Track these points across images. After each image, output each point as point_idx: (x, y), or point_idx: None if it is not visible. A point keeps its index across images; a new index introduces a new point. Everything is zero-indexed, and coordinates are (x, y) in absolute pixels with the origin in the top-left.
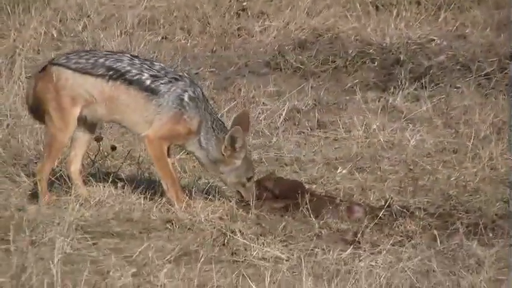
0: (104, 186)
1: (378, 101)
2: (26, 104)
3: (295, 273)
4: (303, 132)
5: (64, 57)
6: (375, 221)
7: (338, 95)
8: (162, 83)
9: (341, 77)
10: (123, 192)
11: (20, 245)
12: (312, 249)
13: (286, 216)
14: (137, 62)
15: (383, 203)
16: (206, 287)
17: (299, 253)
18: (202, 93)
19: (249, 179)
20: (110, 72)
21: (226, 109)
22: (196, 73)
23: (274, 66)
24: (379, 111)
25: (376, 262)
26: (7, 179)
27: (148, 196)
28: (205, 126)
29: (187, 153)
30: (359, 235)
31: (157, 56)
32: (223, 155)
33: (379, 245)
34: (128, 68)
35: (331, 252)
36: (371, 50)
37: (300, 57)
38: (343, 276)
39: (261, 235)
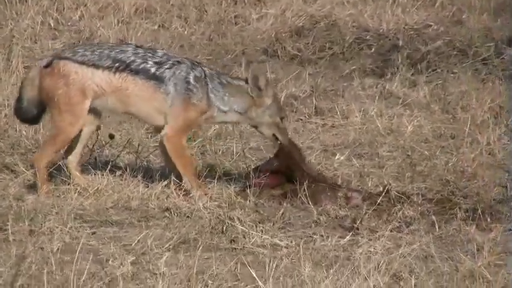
0: (103, 175)
1: (376, 87)
2: (20, 98)
3: (294, 260)
4: (301, 119)
5: (70, 51)
6: (374, 207)
7: (335, 81)
8: (166, 68)
9: (338, 63)
10: (121, 181)
11: (19, 234)
12: (310, 236)
13: (284, 204)
14: (141, 51)
15: (381, 189)
16: (205, 274)
17: (298, 240)
18: (203, 69)
19: (282, 119)
20: (117, 64)
21: None
22: None
23: (272, 53)
24: (376, 97)
25: (375, 248)
26: (5, 168)
27: (147, 184)
28: (217, 96)
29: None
30: (357, 221)
31: (154, 45)
32: (251, 97)
33: (377, 231)
34: (133, 58)
35: (330, 238)
36: (368, 37)
37: (297, 44)
38: (342, 263)
39: (259, 222)
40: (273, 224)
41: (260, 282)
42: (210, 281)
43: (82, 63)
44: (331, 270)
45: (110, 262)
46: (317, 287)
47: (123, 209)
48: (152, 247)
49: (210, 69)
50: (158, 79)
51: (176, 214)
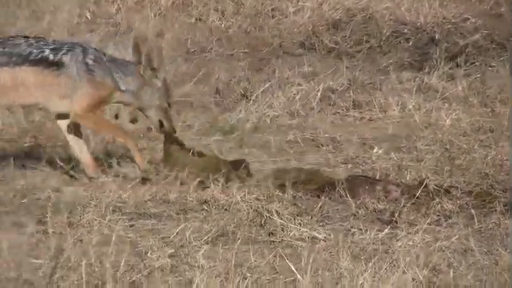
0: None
1: (414, 81)
2: None
3: (332, 253)
4: (339, 113)
5: None
6: (412, 200)
7: (373, 74)
8: (63, 54)
9: (375, 56)
10: (158, 174)
11: (58, 227)
12: (349, 229)
13: (322, 197)
14: (33, 41)
15: (420, 183)
16: (243, 267)
17: (336, 233)
18: (97, 50)
19: (169, 105)
20: (14, 58)
21: (261, 90)
22: (231, 54)
23: (309, 46)
24: (414, 90)
25: (413, 242)
26: (44, 161)
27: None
28: (116, 74)
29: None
30: (396, 215)
31: (191, 38)
32: (142, 76)
33: (416, 225)
34: (29, 49)
35: (368, 232)
36: (405, 30)
37: (334, 37)
38: (380, 256)
39: (297, 215)
40: (311, 217)
41: (298, 275)
42: (248, 274)
43: None
44: (369, 264)
45: (148, 254)
46: (355, 280)
47: (161, 202)
48: (191, 240)
49: (103, 53)
50: (57, 65)
51: (214, 207)
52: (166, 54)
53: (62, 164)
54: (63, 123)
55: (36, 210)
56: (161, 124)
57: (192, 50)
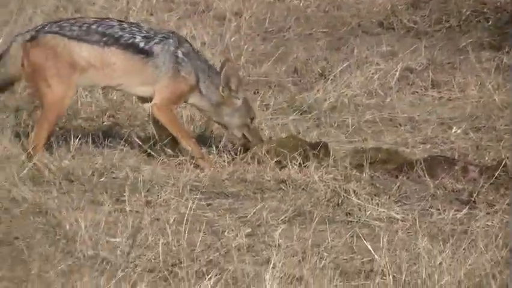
0: (218, 147)
1: (493, 61)
2: None
3: (410, 233)
4: (417, 92)
5: (56, 26)
6: (491, 180)
7: (452, 54)
8: (155, 43)
9: (454, 36)
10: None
11: (136, 205)
12: (427, 210)
13: (400, 177)
14: (126, 26)
15: (499, 163)
16: (320, 247)
17: (414, 213)
18: (191, 46)
19: (252, 120)
20: (105, 38)
21: (339, 69)
22: (310, 34)
23: (387, 26)
24: (493, 70)
25: (492, 222)
26: (122, 140)
27: (262, 157)
28: (203, 76)
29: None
30: (474, 195)
31: (269, 17)
32: (222, 97)
33: (495, 205)
34: (121, 32)
35: (446, 212)
36: (485, 9)
37: (413, 16)
38: (459, 236)
39: (375, 195)
40: (389, 197)
41: (376, 255)
42: (325, 254)
43: (70, 37)
44: (448, 244)
45: (226, 233)
46: (434, 261)
47: (238, 181)
48: (268, 219)
49: (197, 51)
50: (147, 53)
51: (291, 186)
52: (244, 33)
53: (140, 142)
54: (148, 107)
55: (114, 189)
56: (244, 137)
57: (270, 29)
